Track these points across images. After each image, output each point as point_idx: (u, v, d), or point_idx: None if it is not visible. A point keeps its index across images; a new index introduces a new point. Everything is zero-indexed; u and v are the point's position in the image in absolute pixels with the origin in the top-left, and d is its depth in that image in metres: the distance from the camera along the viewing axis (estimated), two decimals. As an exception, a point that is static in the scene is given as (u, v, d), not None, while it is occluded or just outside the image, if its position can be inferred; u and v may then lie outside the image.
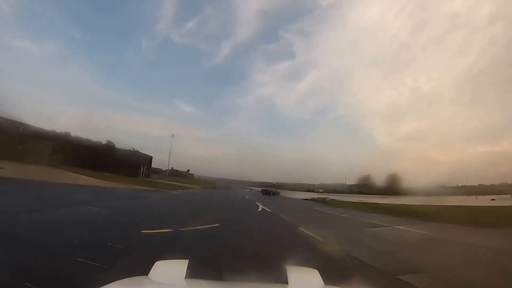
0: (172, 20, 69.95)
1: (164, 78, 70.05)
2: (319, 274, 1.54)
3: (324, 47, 56.88)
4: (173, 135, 67.01)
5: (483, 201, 26.95)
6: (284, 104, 63.06)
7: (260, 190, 43.68)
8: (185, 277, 1.41)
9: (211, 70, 61.01)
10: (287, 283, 1.44)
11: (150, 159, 52.19)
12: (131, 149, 44.40)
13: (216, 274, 3.60)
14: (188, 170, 68.45)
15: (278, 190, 42.48)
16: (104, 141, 41.72)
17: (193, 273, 1.50)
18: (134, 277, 1.46)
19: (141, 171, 47.15)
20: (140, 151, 47.28)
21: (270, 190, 41.17)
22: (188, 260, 1.57)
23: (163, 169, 62.60)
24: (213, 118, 68.56)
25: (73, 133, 38.25)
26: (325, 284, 1.45)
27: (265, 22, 58.01)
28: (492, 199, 27.50)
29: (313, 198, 36.14)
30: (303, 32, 64.47)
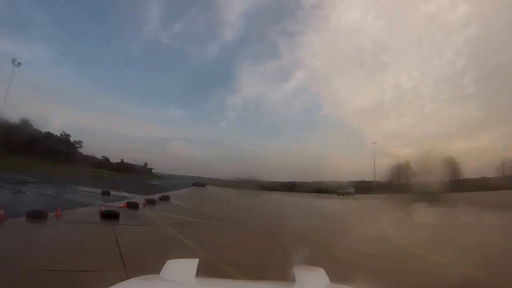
0: (159, 23, 68.41)
1: (152, 81, 68.43)
2: (325, 273, 1.58)
3: (307, 47, 59.83)
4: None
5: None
6: (272, 104, 64.52)
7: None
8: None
9: (199, 72, 60.86)
10: (294, 281, 1.49)
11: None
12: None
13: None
14: (146, 164, 54.94)
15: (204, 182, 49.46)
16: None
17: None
18: (146, 275, 1.48)
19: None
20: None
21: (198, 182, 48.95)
22: (198, 259, 1.59)
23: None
24: (201, 120, 67.92)
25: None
26: (331, 282, 1.50)
27: (251, 22, 59.39)
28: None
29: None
30: (287, 32, 66.61)
